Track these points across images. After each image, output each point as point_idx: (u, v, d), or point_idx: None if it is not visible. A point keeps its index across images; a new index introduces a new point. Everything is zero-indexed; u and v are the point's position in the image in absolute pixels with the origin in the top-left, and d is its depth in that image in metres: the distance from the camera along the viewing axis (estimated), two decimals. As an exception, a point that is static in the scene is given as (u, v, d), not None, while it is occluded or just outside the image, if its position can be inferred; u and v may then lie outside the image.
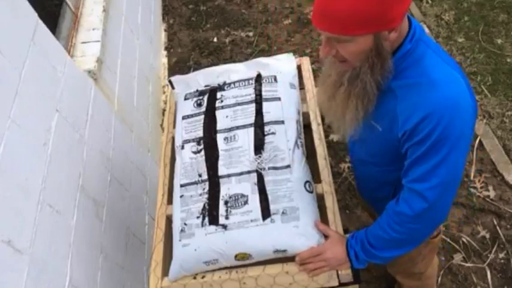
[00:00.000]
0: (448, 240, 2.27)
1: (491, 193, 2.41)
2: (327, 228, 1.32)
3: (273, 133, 1.45)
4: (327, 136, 2.50)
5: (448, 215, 1.20)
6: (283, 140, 1.44)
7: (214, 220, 1.33)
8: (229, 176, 1.40)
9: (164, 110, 2.86)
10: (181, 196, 1.42)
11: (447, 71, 1.06)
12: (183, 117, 1.59)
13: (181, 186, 1.44)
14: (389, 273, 1.77)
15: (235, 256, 1.28)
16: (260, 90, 1.56)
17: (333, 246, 1.27)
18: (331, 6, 0.99)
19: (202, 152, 1.47)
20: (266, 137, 1.45)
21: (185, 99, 1.64)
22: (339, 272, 1.31)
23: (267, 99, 1.54)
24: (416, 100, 1.06)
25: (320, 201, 1.43)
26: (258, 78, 1.59)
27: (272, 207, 1.32)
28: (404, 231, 1.17)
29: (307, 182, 1.39)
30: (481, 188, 2.44)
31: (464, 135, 1.07)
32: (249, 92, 1.57)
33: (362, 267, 1.29)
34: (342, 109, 1.16)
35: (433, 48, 1.09)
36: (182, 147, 1.51)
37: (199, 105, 1.59)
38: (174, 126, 1.65)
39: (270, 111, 1.50)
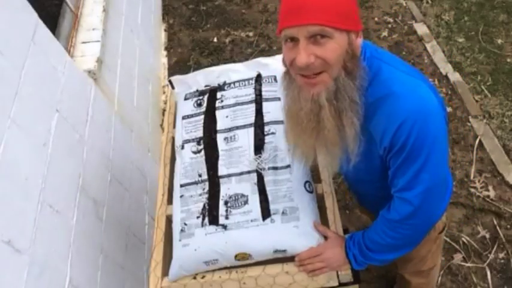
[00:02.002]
0: (448, 240, 2.27)
1: (491, 193, 2.41)
2: (326, 229, 1.32)
3: (273, 133, 1.45)
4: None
5: (441, 214, 1.21)
6: (283, 140, 1.44)
7: (214, 220, 1.33)
8: (229, 176, 1.40)
9: (164, 110, 2.86)
10: (181, 196, 1.42)
11: (405, 79, 1.06)
12: (183, 117, 1.59)
13: (181, 186, 1.44)
14: (390, 273, 1.77)
15: (235, 256, 1.28)
16: (260, 90, 1.56)
17: (332, 247, 1.27)
18: (309, 2, 0.96)
19: (202, 152, 1.47)
20: (266, 137, 1.45)
21: (185, 99, 1.64)
22: (339, 272, 1.31)
23: (267, 99, 1.54)
24: (384, 116, 1.06)
25: (320, 201, 1.43)
26: (258, 78, 1.59)
27: (272, 207, 1.32)
28: (398, 236, 1.19)
29: (307, 182, 1.39)
30: (481, 188, 2.44)
31: (439, 136, 1.08)
32: (249, 92, 1.57)
33: (361, 269, 1.29)
34: (335, 132, 1.07)
35: (387, 61, 1.09)
36: (182, 147, 1.51)
37: (199, 105, 1.59)
38: (174, 126, 1.65)
39: (270, 111, 1.50)
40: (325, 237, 1.31)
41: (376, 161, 1.17)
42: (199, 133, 1.51)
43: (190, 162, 1.47)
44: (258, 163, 1.40)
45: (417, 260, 1.47)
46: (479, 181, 2.47)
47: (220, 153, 1.45)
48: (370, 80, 1.07)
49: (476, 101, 2.82)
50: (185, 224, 1.35)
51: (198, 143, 1.49)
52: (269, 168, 1.39)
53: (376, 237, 1.21)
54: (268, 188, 1.35)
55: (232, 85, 1.60)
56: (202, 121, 1.54)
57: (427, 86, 1.08)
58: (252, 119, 1.49)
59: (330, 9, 0.96)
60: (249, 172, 1.39)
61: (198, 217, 1.35)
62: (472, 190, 2.44)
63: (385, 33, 3.34)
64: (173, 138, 1.62)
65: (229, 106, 1.55)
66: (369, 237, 1.23)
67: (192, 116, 1.57)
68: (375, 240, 1.22)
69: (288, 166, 1.39)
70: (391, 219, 1.17)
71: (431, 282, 1.78)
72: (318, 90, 1.03)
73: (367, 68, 1.05)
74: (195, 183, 1.42)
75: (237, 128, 1.48)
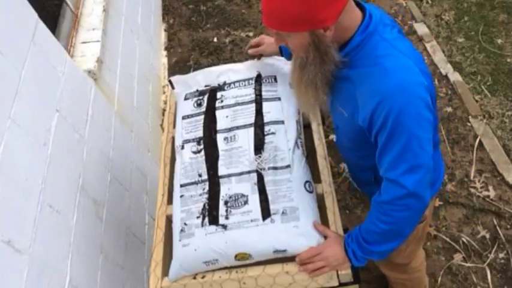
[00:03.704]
0: (448, 240, 2.27)
1: (491, 193, 2.41)
2: (326, 228, 1.33)
3: (273, 133, 1.45)
4: (327, 136, 2.50)
5: (429, 198, 1.21)
6: (283, 140, 1.44)
7: (214, 220, 1.33)
8: (229, 176, 1.40)
9: (164, 110, 2.86)
10: (181, 196, 1.42)
11: (399, 59, 1.11)
12: (183, 117, 1.59)
13: (182, 186, 1.44)
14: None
15: (235, 256, 1.28)
16: (260, 90, 1.56)
17: (331, 245, 1.28)
18: (268, 5, 1.10)
19: (202, 152, 1.47)
20: (266, 137, 1.45)
21: (185, 99, 1.64)
22: (339, 272, 1.31)
23: (267, 99, 1.54)
24: (370, 87, 1.11)
25: (320, 201, 1.43)
26: (258, 78, 1.59)
27: (272, 207, 1.32)
28: (391, 220, 1.19)
29: (307, 182, 1.39)
30: (481, 188, 2.44)
31: (421, 118, 1.09)
32: (249, 92, 1.57)
33: (361, 265, 1.29)
34: (298, 91, 1.27)
35: (388, 39, 1.13)
36: (182, 147, 1.51)
37: (199, 105, 1.59)
38: (174, 126, 1.65)
39: (270, 111, 1.50)
40: (325, 237, 1.32)
41: (355, 128, 1.22)
42: (199, 133, 1.51)
43: (190, 162, 1.47)
44: (258, 163, 1.40)
45: None
46: (479, 181, 2.47)
47: (220, 153, 1.45)
48: (366, 52, 1.13)
49: (476, 101, 2.82)
50: (185, 224, 1.35)
51: (198, 143, 1.49)
52: (269, 168, 1.39)
53: (371, 226, 1.22)
54: (268, 188, 1.35)
55: (232, 85, 1.60)
56: (202, 121, 1.54)
57: (418, 68, 1.10)
58: (252, 119, 1.49)
59: (280, 16, 1.09)
60: (249, 172, 1.39)
61: (198, 217, 1.35)
62: (472, 190, 2.44)
63: (385, 33, 3.33)
64: (173, 138, 1.62)
65: (229, 106, 1.55)
66: (365, 228, 1.25)
67: (192, 116, 1.57)
68: (371, 230, 1.23)
69: (288, 166, 1.39)
70: (381, 202, 1.19)
71: (413, 279, 1.77)
72: (295, 57, 1.23)
73: (361, 42, 1.13)
74: (195, 183, 1.42)
75: (237, 128, 1.48)
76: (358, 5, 1.17)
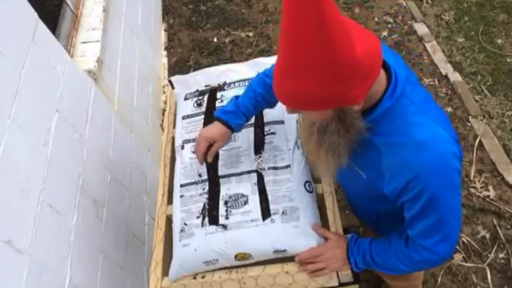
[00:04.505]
0: (448, 240, 2.27)
1: (491, 193, 2.41)
2: (326, 231, 1.32)
3: (273, 133, 1.45)
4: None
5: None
6: (283, 140, 1.44)
7: (214, 220, 1.33)
8: (229, 176, 1.40)
9: (164, 110, 2.86)
10: (181, 196, 1.42)
11: (431, 129, 1.02)
12: (183, 117, 1.59)
13: (181, 186, 1.44)
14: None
15: (235, 256, 1.28)
16: (260, 90, 1.56)
17: (332, 248, 1.27)
18: (288, 87, 0.94)
19: (202, 152, 1.47)
20: (266, 137, 1.45)
21: (185, 99, 1.64)
22: (339, 273, 1.31)
23: (267, 99, 1.54)
24: (402, 161, 1.03)
25: (320, 201, 1.43)
26: (258, 78, 1.59)
27: (272, 207, 1.32)
28: (412, 267, 1.20)
29: (307, 182, 1.39)
30: (481, 188, 2.44)
31: (454, 186, 1.06)
32: (249, 92, 1.57)
33: (357, 270, 1.30)
34: (315, 156, 1.13)
35: (417, 103, 1.04)
36: (182, 147, 1.51)
37: (199, 105, 1.59)
38: (174, 126, 1.65)
39: (270, 111, 1.50)
40: (325, 239, 1.31)
41: (375, 189, 1.15)
42: (199, 133, 1.51)
43: (190, 162, 1.47)
44: (258, 163, 1.40)
45: None
46: (479, 181, 2.47)
47: (220, 153, 1.45)
48: (394, 118, 1.03)
49: (476, 101, 2.82)
50: (185, 224, 1.35)
51: (198, 143, 1.49)
52: (269, 168, 1.39)
53: (386, 257, 1.21)
54: (268, 188, 1.35)
55: (232, 85, 1.60)
56: (202, 121, 1.54)
57: (450, 136, 1.04)
58: (252, 119, 1.49)
59: (300, 99, 0.95)
60: (249, 172, 1.39)
61: (198, 217, 1.35)
62: (472, 190, 2.44)
63: (385, 33, 3.34)
64: (173, 138, 1.62)
65: (229, 106, 1.55)
66: (377, 252, 1.23)
67: (192, 116, 1.57)
68: (383, 258, 1.22)
69: (288, 166, 1.39)
70: (411, 257, 1.17)
71: (413, 286, 1.78)
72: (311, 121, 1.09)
73: (389, 107, 1.02)
74: (195, 183, 1.42)
75: (237, 128, 1.48)
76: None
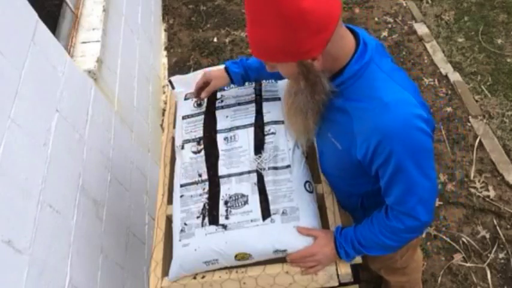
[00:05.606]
0: (448, 240, 2.27)
1: (491, 193, 2.41)
2: (310, 230, 1.31)
3: (273, 133, 1.45)
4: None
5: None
6: (283, 140, 1.44)
7: (214, 220, 1.33)
8: (229, 176, 1.40)
9: (164, 110, 2.86)
10: (181, 196, 1.42)
11: (397, 92, 1.06)
12: (183, 117, 1.59)
13: (182, 186, 1.44)
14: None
15: (235, 256, 1.28)
16: (260, 90, 1.57)
17: (322, 248, 1.27)
18: (252, 36, 1.05)
19: (202, 152, 1.47)
20: (266, 137, 1.45)
21: (185, 99, 1.64)
22: (339, 273, 1.31)
23: (267, 99, 1.54)
24: (370, 123, 1.06)
25: (320, 201, 1.43)
26: (258, 78, 1.59)
27: (272, 207, 1.32)
28: (398, 239, 1.22)
29: (307, 182, 1.39)
30: (481, 188, 2.44)
31: (423, 150, 1.08)
32: (249, 92, 1.57)
33: (350, 260, 1.31)
34: (289, 119, 1.22)
35: (385, 70, 1.08)
36: (182, 147, 1.51)
37: (199, 105, 1.59)
38: (174, 126, 1.65)
39: (270, 111, 1.50)
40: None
41: (351, 160, 1.18)
42: (199, 133, 1.51)
43: (190, 162, 1.47)
44: (258, 163, 1.40)
45: (386, 257, 1.47)
46: (479, 181, 2.47)
47: (221, 153, 1.45)
48: (363, 83, 1.07)
49: (476, 101, 2.82)
50: (185, 224, 1.35)
51: (198, 143, 1.49)
52: (269, 168, 1.39)
53: (372, 236, 1.23)
54: (268, 188, 1.35)
55: (232, 85, 1.60)
56: (202, 121, 1.54)
57: (417, 101, 1.07)
58: (252, 119, 1.49)
59: (262, 47, 1.04)
60: (249, 172, 1.39)
61: (198, 217, 1.35)
62: (472, 190, 2.44)
63: (385, 33, 3.34)
64: (173, 138, 1.62)
65: (229, 106, 1.55)
66: (362, 234, 1.25)
67: (192, 116, 1.57)
68: (370, 238, 1.24)
69: (288, 166, 1.39)
70: (393, 227, 1.19)
71: (412, 280, 1.79)
72: (291, 83, 1.18)
73: (357, 72, 1.07)
74: (195, 183, 1.42)
75: (237, 128, 1.49)
76: (351, 30, 1.10)
